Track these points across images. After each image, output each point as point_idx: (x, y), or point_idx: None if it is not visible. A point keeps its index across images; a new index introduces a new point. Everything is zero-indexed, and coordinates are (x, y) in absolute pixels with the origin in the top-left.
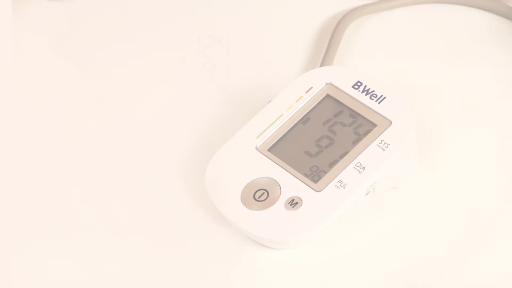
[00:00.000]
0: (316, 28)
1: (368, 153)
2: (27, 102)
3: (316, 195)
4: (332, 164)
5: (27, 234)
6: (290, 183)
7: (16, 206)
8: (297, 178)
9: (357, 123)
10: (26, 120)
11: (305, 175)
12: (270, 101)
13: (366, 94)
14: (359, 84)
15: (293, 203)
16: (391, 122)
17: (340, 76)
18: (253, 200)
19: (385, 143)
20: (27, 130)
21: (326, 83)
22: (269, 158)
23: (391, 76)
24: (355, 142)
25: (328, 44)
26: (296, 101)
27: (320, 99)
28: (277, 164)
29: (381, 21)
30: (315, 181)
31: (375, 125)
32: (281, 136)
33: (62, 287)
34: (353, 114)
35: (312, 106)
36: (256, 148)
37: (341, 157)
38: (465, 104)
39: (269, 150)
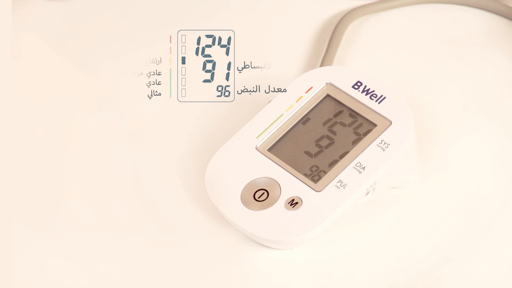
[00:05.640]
0: (316, 28)
1: (368, 153)
2: (27, 102)
3: (316, 195)
4: (332, 164)
5: (27, 234)
6: (290, 183)
7: (16, 206)
8: (297, 178)
9: (357, 123)
10: (25, 120)
11: (305, 175)
12: (270, 101)
13: (366, 94)
14: (359, 84)
15: (293, 203)
16: (391, 122)
17: (340, 76)
18: (253, 200)
19: (385, 143)
20: (26, 130)
21: (326, 83)
22: (269, 158)
23: (391, 76)
24: (355, 142)
25: (328, 44)
26: (296, 101)
27: (320, 99)
28: (277, 164)
29: (381, 21)
30: (315, 181)
31: (375, 125)
32: (281, 136)
33: (62, 287)
34: (353, 114)
35: (312, 106)
36: (256, 148)
37: (341, 157)
38: (465, 104)
39: (269, 150)
